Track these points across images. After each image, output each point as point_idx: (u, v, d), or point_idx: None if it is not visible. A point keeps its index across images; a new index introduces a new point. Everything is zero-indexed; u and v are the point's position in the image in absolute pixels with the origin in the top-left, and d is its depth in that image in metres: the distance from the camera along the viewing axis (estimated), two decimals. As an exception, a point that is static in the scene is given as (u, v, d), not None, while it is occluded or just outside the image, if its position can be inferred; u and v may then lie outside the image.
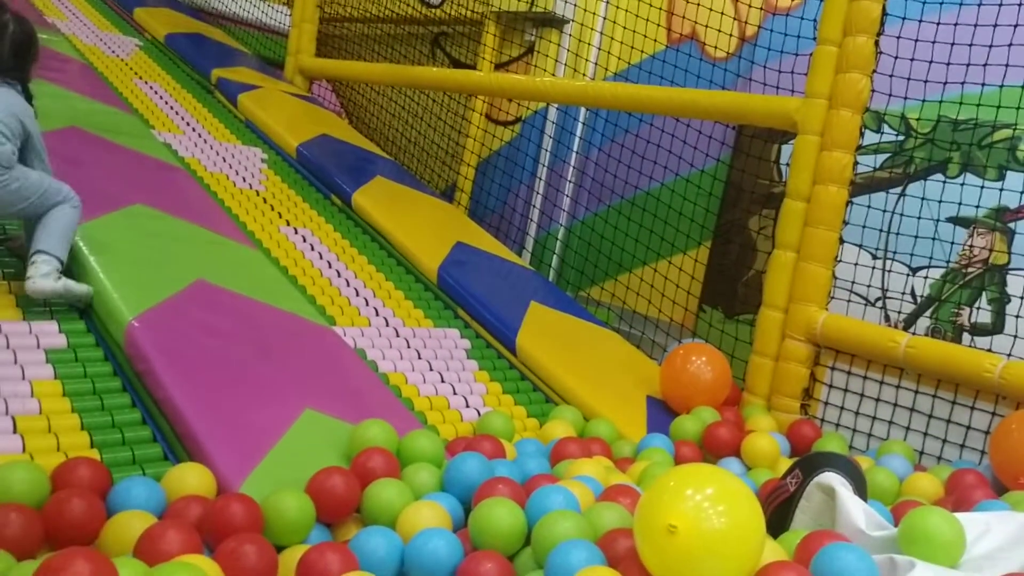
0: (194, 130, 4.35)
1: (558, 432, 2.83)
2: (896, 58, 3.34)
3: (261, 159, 4.31)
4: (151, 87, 4.74)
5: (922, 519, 1.84)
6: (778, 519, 2.04)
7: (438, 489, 2.22)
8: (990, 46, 3.20)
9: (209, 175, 3.90)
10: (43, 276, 2.52)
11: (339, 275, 3.48)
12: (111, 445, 2.16)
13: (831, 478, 1.99)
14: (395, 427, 2.38)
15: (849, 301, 3.47)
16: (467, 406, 2.93)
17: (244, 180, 4.00)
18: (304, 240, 3.65)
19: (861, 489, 2.07)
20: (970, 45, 3.24)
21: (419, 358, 3.10)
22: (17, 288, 2.62)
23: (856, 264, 3.47)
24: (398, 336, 3.19)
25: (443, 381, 3.02)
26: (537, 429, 2.95)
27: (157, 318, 2.51)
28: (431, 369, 3.06)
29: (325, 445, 2.33)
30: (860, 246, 3.56)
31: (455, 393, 2.97)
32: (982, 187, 3.33)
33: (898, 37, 3.32)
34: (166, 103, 4.58)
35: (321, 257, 3.57)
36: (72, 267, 2.71)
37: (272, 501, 1.92)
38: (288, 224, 3.74)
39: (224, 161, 4.10)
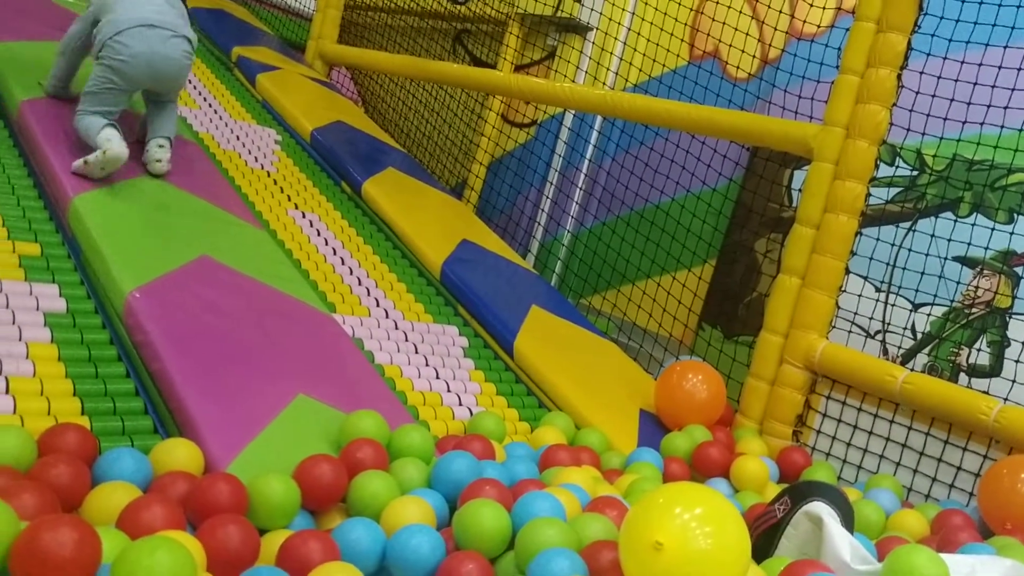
0: (210, 106, 4.35)
1: (549, 438, 2.82)
2: (917, 93, 3.33)
3: (275, 140, 4.30)
4: (171, 59, 4.73)
5: (907, 557, 1.84)
6: (763, 545, 2.04)
7: (425, 485, 2.21)
8: (1012, 89, 3.20)
9: (222, 152, 3.90)
10: (169, 161, 3.18)
11: (343, 263, 3.48)
12: (101, 414, 2.16)
13: (820, 508, 1.98)
14: (387, 419, 2.38)
15: (850, 332, 3.46)
16: (460, 404, 2.93)
17: (256, 160, 3.99)
18: (311, 225, 3.65)
19: (848, 522, 2.07)
20: (992, 87, 3.23)
21: (416, 352, 3.10)
22: (21, 248, 2.62)
23: (860, 296, 3.46)
24: (397, 328, 3.19)
25: (438, 377, 3.02)
26: (528, 433, 2.95)
27: (158, 291, 2.50)
28: (427, 364, 3.06)
29: (315, 432, 2.32)
30: (865, 278, 3.55)
31: (449, 390, 2.97)
32: (992, 229, 3.32)
33: (921, 72, 3.32)
34: (184, 76, 4.57)
35: (327, 243, 3.56)
36: (77, 234, 2.71)
37: (258, 484, 1.91)
38: (296, 208, 3.74)
39: (238, 139, 4.10)
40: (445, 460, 2.23)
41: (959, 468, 3.00)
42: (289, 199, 3.79)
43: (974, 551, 2.24)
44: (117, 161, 2.88)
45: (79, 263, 2.68)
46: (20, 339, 2.26)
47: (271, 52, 5.31)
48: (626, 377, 3.56)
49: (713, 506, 1.65)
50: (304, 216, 3.69)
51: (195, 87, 4.50)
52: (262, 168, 3.95)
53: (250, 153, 4.03)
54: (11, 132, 3.30)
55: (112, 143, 2.88)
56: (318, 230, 3.63)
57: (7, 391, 2.08)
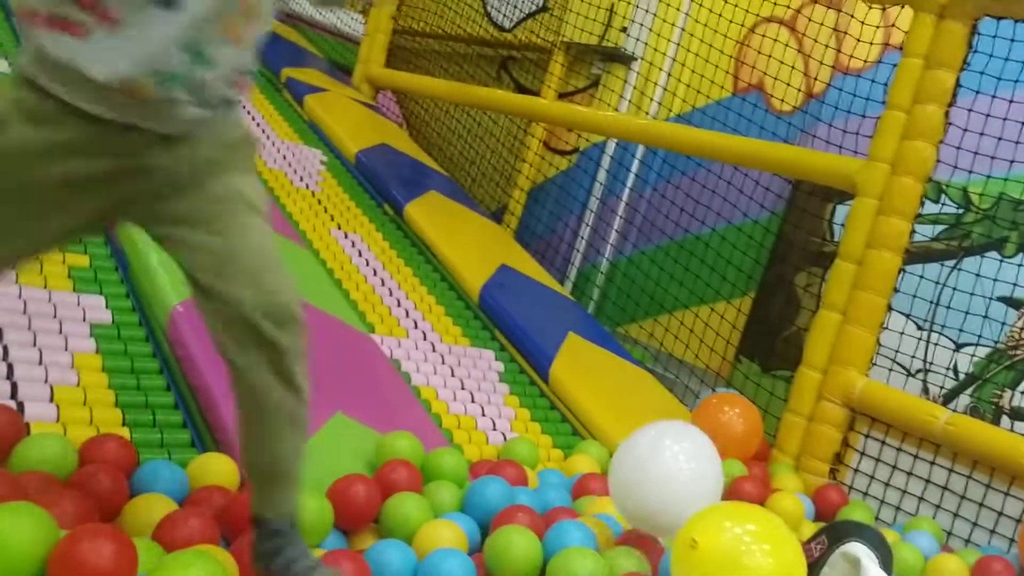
0: (258, 125, 4.42)
1: (582, 467, 2.81)
2: (965, 131, 3.30)
3: (320, 161, 4.36)
4: (221, 79, 4.83)
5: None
6: (798, 583, 2.01)
7: (458, 509, 2.21)
8: (1063, 129, 3.16)
9: (268, 171, 3.95)
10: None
11: (383, 284, 3.50)
12: (141, 425, 2.18)
13: (858, 549, 1.95)
14: (421, 441, 2.39)
15: (891, 370, 3.42)
16: (494, 429, 2.93)
17: (301, 180, 4.05)
18: (353, 245, 3.69)
19: (887, 564, 2.03)
20: (1043, 126, 3.19)
21: (452, 375, 3.11)
22: (70, 260, 2.67)
23: (902, 333, 3.42)
24: (434, 351, 3.20)
25: (473, 401, 3.02)
26: (561, 461, 2.94)
27: (202, 306, 2.53)
28: (463, 388, 3.06)
29: (350, 451, 2.34)
30: (908, 316, 3.50)
31: (483, 415, 2.97)
32: (1040, 270, 3.27)
33: (969, 110, 3.28)
34: (234, 96, 4.66)
35: (368, 264, 3.59)
36: (125, 246, 2.76)
37: (293, 501, 1.92)
38: (339, 228, 3.78)
39: (284, 159, 4.16)
40: (478, 485, 2.23)
41: (1000, 513, 2.94)
42: (332, 219, 3.83)
43: (1015, 599, 2.19)
44: None
45: (126, 275, 2.73)
46: (66, 349, 2.30)
47: (319, 74, 5.39)
48: (661, 408, 3.53)
49: (755, 512, 1.68)
50: (346, 236, 3.73)
51: (244, 106, 4.57)
52: (307, 188, 4.00)
53: (296, 173, 4.09)
54: (65, 146, 3.38)
55: None
56: (360, 251, 3.67)
57: (51, 399, 2.12)
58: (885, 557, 2.03)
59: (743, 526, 1.64)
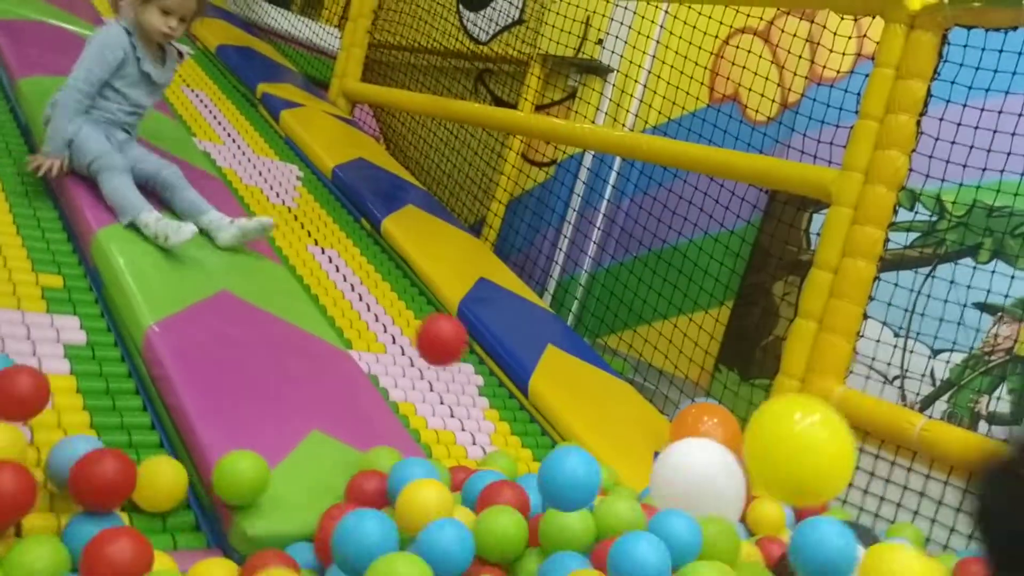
0: (234, 141, 4.41)
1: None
2: (937, 139, 3.33)
3: (296, 176, 4.35)
4: (197, 95, 4.81)
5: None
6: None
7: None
8: (1032, 137, 3.20)
9: (244, 187, 3.94)
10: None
11: (361, 299, 3.50)
12: (117, 446, 2.16)
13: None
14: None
15: (868, 378, 3.44)
16: (474, 443, 2.92)
17: (278, 196, 4.04)
18: (330, 261, 3.68)
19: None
20: (1012, 134, 3.23)
21: (431, 390, 3.10)
22: (44, 280, 2.65)
23: (878, 341, 3.44)
24: (412, 366, 3.19)
25: (452, 415, 3.01)
26: (542, 474, 2.93)
27: (178, 325, 2.52)
28: (441, 402, 3.06)
29: (328, 468, 2.32)
30: (884, 323, 3.53)
31: (463, 429, 2.97)
32: (1012, 276, 3.30)
33: (940, 119, 3.32)
34: (210, 112, 4.65)
35: (345, 279, 3.59)
36: (99, 266, 2.74)
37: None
38: (316, 244, 3.77)
39: (260, 175, 4.15)
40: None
41: (978, 518, 2.96)
42: (309, 235, 3.82)
43: (993, 604, 2.20)
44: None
45: (100, 296, 2.71)
46: (40, 371, 2.28)
47: (295, 89, 5.38)
48: (641, 419, 3.54)
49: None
50: (323, 252, 3.72)
51: (219, 122, 4.56)
52: (283, 204, 3.99)
53: (272, 189, 4.07)
54: (38, 165, 3.35)
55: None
56: (337, 266, 3.66)
57: (25, 422, 2.09)
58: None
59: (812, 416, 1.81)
